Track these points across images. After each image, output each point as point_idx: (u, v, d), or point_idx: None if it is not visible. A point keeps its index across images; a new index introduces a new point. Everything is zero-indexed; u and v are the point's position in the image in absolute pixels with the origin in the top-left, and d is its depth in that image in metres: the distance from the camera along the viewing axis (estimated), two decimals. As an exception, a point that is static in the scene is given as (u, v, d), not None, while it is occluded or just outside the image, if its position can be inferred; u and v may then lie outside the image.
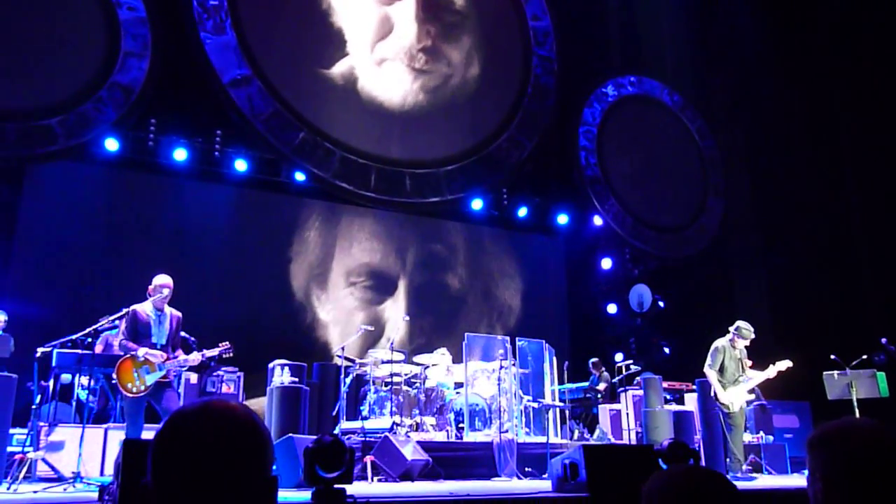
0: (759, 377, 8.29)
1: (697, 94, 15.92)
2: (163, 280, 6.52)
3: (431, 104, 12.79)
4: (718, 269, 14.99)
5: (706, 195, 15.45)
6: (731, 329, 8.38)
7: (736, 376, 8.21)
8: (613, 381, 11.85)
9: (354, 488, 5.07)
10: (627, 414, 10.57)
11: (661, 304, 14.32)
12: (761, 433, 10.34)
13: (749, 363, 8.43)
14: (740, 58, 15.44)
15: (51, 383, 8.11)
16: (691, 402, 10.12)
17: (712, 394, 8.20)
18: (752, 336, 8.31)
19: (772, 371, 8.27)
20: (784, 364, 8.31)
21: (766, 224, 14.97)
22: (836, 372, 8.78)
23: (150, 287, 6.44)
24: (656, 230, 14.73)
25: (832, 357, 8.82)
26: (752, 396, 8.50)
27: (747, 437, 10.11)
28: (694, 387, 9.41)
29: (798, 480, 8.44)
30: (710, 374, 8.19)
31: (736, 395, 8.15)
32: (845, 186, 14.15)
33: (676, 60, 15.36)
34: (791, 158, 14.23)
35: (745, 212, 15.45)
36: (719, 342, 8.35)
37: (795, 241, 13.98)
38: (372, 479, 7.06)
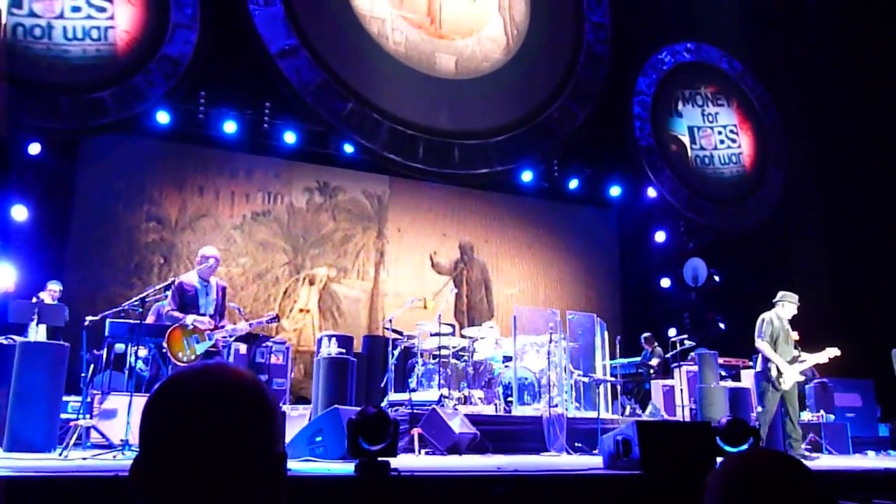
0: (812, 359, 7.89)
1: (758, 60, 15.29)
2: (209, 251, 6.54)
3: (480, 73, 12.55)
4: (777, 243, 14.48)
5: (766, 165, 14.91)
6: (778, 300, 7.94)
7: (789, 355, 7.71)
8: (667, 356, 11.60)
9: (400, 461, 4.99)
10: (681, 390, 10.32)
11: (716, 278, 13.92)
12: (822, 412, 10.00)
13: (795, 336, 7.97)
14: (803, 22, 14.77)
15: (104, 352, 8.26)
16: (748, 379, 9.81)
17: (769, 367, 7.62)
18: (798, 303, 7.87)
19: (823, 355, 7.88)
20: (834, 351, 7.95)
21: (828, 196, 14.39)
22: (904, 349, 8.42)
23: (197, 257, 6.46)
24: (713, 202, 14.28)
25: (901, 333, 8.43)
26: (803, 378, 8.13)
27: (807, 416, 9.81)
28: (751, 363, 9.09)
29: (860, 461, 8.14)
30: (764, 345, 7.66)
31: (790, 374, 7.64)
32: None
33: (736, 26, 14.75)
34: (855, 127, 13.59)
35: (807, 183, 14.87)
36: (766, 314, 7.88)
37: (858, 212, 13.40)
38: (419, 452, 7.00)
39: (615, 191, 14.38)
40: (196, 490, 0.96)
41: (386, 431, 4.08)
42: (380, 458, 4.04)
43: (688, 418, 9.82)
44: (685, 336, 11.50)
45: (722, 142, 14.76)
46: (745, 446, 4.88)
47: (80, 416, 6.18)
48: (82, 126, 10.00)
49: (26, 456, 5.35)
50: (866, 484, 5.68)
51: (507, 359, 9.51)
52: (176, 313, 6.29)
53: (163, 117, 10.90)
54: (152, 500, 0.98)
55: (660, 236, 14.74)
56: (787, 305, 7.89)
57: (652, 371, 11.67)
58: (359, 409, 4.43)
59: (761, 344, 7.72)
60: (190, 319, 6.22)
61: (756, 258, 14.10)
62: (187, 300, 6.35)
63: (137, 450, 1.01)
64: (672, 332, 12.61)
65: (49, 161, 10.53)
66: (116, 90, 9.96)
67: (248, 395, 1.02)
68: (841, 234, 13.80)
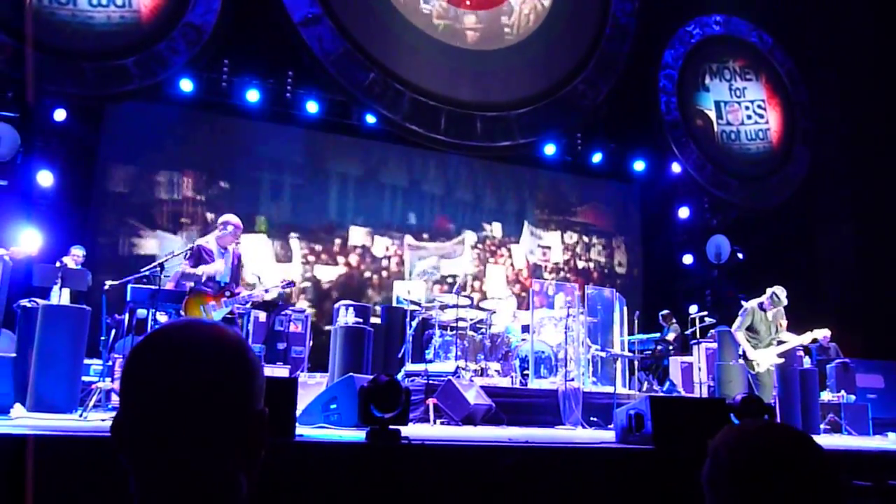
0: (793, 341, 8.31)
1: (789, 34, 14.95)
2: (231, 218, 6.54)
3: (504, 44, 12.40)
4: (802, 221, 14.28)
5: (793, 142, 14.64)
6: (767, 294, 8.31)
7: (768, 339, 8.22)
8: (686, 332, 11.54)
9: (414, 430, 5.03)
10: (699, 367, 10.28)
11: (739, 255, 13.76)
12: (842, 392, 9.91)
13: (784, 323, 8.38)
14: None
15: (126, 317, 8.37)
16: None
17: (740, 352, 8.25)
18: (785, 303, 8.26)
19: (807, 337, 8.35)
20: (821, 332, 8.61)
21: (855, 174, 14.11)
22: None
23: (218, 224, 6.48)
24: (738, 178, 14.07)
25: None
26: (782, 360, 8.32)
27: (827, 396, 9.77)
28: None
29: (881, 442, 8.07)
30: (738, 335, 8.24)
31: (764, 357, 8.12)
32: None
33: (767, -2, 14.44)
34: (887, 106, 13.27)
35: (835, 161, 14.59)
36: (749, 304, 8.40)
37: (886, 192, 13.13)
38: (434, 422, 7.05)
39: (639, 166, 14.23)
40: (173, 443, 0.97)
41: (397, 400, 4.10)
42: (391, 427, 4.07)
43: (705, 395, 9.79)
44: (705, 313, 11.42)
45: (749, 117, 14.51)
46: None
47: (101, 379, 6.28)
48: (106, 92, 10.05)
49: (48, 416, 5.46)
50: (883, 465, 5.62)
51: (524, 331, 9.52)
52: (190, 269, 6.27)
53: (186, 85, 10.93)
54: (131, 454, 0.99)
55: (683, 212, 14.59)
56: (767, 305, 8.31)
57: (671, 347, 11.62)
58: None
59: (735, 334, 8.32)
60: (201, 270, 6.22)
61: (780, 236, 13.91)
62: (204, 265, 6.35)
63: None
64: (693, 308, 12.51)
65: (74, 127, 10.61)
66: (140, 57, 9.98)
67: (228, 351, 1.02)
68: (868, 213, 13.57)
